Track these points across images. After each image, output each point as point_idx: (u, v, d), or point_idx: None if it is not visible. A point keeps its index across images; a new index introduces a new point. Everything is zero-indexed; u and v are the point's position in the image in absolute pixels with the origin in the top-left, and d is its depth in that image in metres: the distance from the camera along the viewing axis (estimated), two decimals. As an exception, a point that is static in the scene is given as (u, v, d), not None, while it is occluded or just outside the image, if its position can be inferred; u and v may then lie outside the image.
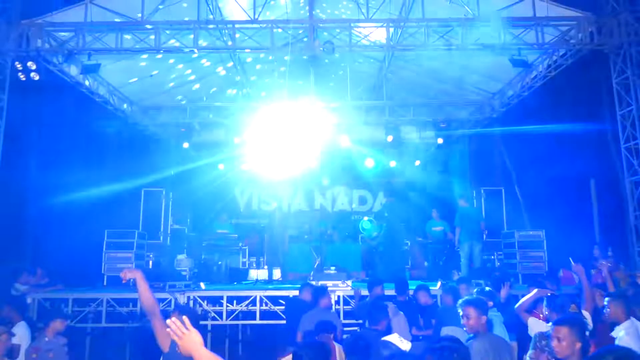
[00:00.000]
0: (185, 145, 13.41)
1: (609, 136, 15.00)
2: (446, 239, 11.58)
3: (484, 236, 11.37)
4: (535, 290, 5.24)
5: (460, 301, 4.23)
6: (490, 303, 5.08)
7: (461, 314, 4.06)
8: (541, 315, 4.98)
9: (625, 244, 10.91)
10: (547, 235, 10.92)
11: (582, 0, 9.30)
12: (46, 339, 5.38)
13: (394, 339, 3.62)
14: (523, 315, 4.93)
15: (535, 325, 4.61)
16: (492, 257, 11.67)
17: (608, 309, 4.58)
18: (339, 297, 8.38)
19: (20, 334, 5.61)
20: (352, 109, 13.23)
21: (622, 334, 4.35)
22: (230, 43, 9.05)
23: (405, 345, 3.60)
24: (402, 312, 6.17)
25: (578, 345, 3.31)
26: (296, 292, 8.23)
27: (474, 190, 13.16)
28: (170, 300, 8.07)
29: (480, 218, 11.28)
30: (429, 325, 6.53)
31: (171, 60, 11.00)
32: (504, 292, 6.20)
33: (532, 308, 5.21)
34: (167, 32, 8.85)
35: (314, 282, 8.48)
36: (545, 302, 4.85)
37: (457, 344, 3.09)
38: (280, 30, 9.05)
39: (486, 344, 3.80)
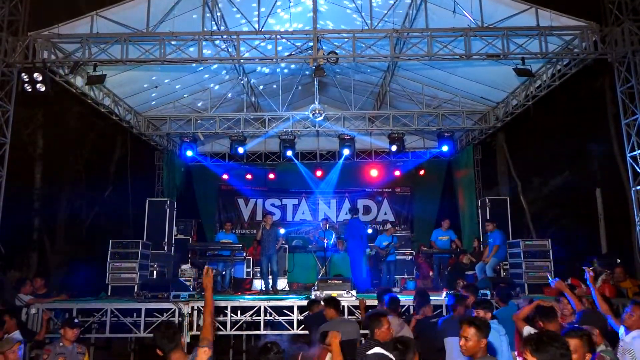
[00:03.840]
0: (189, 153, 13.45)
1: (614, 145, 14.94)
2: (451, 248, 11.54)
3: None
4: (536, 302, 5.18)
5: (461, 319, 3.80)
6: (489, 315, 4.95)
7: (460, 333, 3.59)
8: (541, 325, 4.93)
9: (631, 254, 10.82)
10: (553, 245, 10.82)
11: (585, 9, 9.32)
12: (61, 344, 5.73)
13: (379, 350, 3.64)
14: (520, 323, 4.85)
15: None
16: (498, 267, 11.58)
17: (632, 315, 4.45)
18: (343, 307, 8.31)
19: None
20: (356, 118, 13.23)
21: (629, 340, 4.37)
22: (234, 54, 9.10)
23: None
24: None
25: (589, 356, 3.27)
26: (300, 302, 8.19)
27: (479, 200, 13.09)
28: (175, 310, 8.03)
29: None
30: None
31: (176, 71, 11.08)
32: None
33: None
34: (172, 43, 8.91)
35: (318, 292, 8.43)
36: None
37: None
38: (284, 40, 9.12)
39: None
